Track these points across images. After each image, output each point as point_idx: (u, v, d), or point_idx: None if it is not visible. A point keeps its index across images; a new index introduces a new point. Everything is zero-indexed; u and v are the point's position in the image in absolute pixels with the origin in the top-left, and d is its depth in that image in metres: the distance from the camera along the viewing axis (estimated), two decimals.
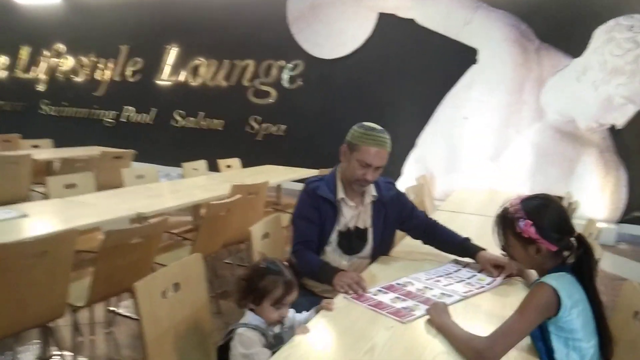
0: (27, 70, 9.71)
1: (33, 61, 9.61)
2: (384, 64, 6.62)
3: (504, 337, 1.25)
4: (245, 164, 5.11)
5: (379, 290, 1.72)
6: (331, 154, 6.29)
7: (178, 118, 8.21)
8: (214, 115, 7.95)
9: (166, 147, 8.12)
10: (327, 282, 1.84)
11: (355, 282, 1.73)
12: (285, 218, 3.10)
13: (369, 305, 1.59)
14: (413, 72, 6.45)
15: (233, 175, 4.47)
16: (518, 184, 5.80)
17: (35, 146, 5.77)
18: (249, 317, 1.48)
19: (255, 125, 7.56)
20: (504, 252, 1.52)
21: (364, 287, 1.71)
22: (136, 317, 3.11)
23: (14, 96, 9.93)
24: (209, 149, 6.48)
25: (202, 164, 4.71)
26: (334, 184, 2.13)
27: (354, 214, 2.12)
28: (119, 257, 2.32)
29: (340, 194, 2.10)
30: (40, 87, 9.60)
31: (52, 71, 9.43)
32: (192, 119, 8.10)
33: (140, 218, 2.82)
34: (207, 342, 1.75)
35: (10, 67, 9.91)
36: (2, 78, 10.05)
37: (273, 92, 7.43)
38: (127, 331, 3.03)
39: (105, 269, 2.28)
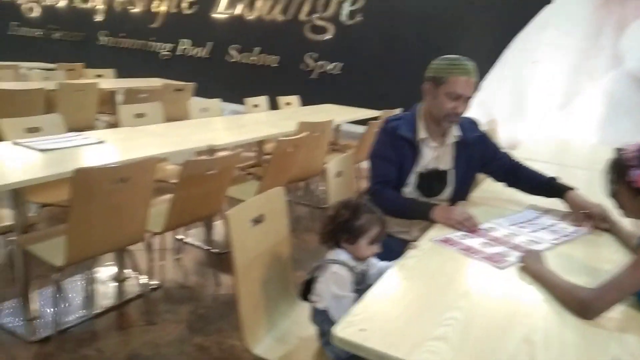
0: (86, 0, 9.76)
1: None
2: (450, 0, 6.27)
3: (615, 290, 1.19)
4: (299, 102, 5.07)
5: (465, 235, 1.68)
6: (390, 94, 6.19)
7: (233, 53, 8.13)
8: (269, 51, 7.83)
9: (222, 82, 8.12)
10: (422, 217, 1.82)
11: (465, 217, 1.71)
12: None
13: (459, 249, 1.55)
14: (481, 10, 6.08)
15: (293, 112, 4.43)
16: (587, 134, 5.52)
17: (99, 75, 5.87)
18: (341, 254, 1.47)
19: (311, 63, 7.41)
20: (612, 200, 1.43)
21: (475, 223, 1.69)
22: (201, 246, 3.27)
23: (73, 26, 10.06)
24: (263, 86, 6.43)
25: (263, 100, 4.68)
26: (414, 124, 2.05)
27: (435, 155, 2.05)
28: (195, 187, 2.36)
29: (422, 134, 2.03)
30: (98, 18, 9.66)
31: (109, 1, 9.44)
32: (246, 54, 8.01)
33: (210, 150, 2.85)
34: (287, 274, 1.78)
35: None
36: (61, 7, 10.17)
37: (330, 28, 7.21)
38: (193, 259, 3.15)
39: (182, 197, 2.33)
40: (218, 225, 3.41)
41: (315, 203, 4.23)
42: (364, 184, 2.30)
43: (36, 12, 10.58)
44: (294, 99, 5.00)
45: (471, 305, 1.24)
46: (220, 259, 3.16)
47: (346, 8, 7.00)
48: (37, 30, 10.62)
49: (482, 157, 2.12)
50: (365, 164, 3.46)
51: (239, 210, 1.53)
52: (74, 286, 2.66)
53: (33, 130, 2.74)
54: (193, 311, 2.53)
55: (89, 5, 9.73)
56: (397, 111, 4.20)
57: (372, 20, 6.83)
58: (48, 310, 2.39)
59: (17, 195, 2.16)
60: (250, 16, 7.87)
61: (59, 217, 2.60)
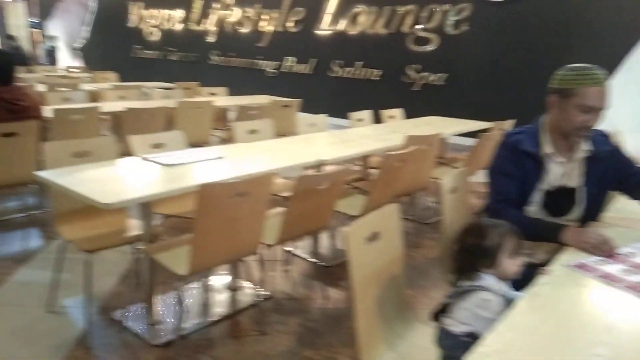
0: (199, 22, 10.49)
1: (204, 14, 10.33)
2: (563, 5, 5.87)
3: None
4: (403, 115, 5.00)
5: (602, 260, 1.52)
6: (498, 105, 5.91)
7: (336, 68, 8.26)
8: (371, 65, 7.85)
9: (326, 97, 8.28)
10: (551, 239, 1.69)
11: (601, 240, 1.57)
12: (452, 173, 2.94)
13: (597, 275, 1.41)
14: (600, 12, 5.62)
15: (398, 126, 4.37)
16: None
17: (213, 94, 6.24)
18: (486, 279, 1.40)
19: (414, 75, 7.31)
20: None
21: (612, 247, 1.55)
22: (308, 258, 3.32)
23: (188, 47, 10.84)
24: (366, 99, 6.46)
25: (366, 114, 4.68)
26: (538, 138, 1.91)
27: (562, 171, 1.90)
28: (307, 201, 2.40)
29: (547, 148, 1.89)
30: (210, 39, 10.32)
31: (220, 23, 10.05)
32: (349, 69, 8.10)
33: (317, 165, 2.89)
34: (401, 294, 1.73)
35: (185, 20, 10.78)
36: (178, 31, 11.00)
37: (434, 39, 7.07)
38: (300, 270, 3.20)
39: (295, 211, 2.37)
40: (324, 238, 3.45)
41: (420, 218, 4.12)
42: (478, 200, 2.20)
43: (156, 36, 11.54)
44: (397, 112, 4.94)
45: (618, 340, 1.11)
46: (326, 272, 3.18)
47: (451, 18, 6.83)
48: (156, 52, 11.57)
49: (615, 173, 1.93)
50: (476, 178, 3.32)
51: (355, 228, 1.52)
52: (192, 294, 2.80)
53: (158, 146, 2.95)
54: (302, 323, 2.56)
55: (202, 27, 10.43)
56: (510, 123, 3.99)
57: (479, 29, 6.60)
58: (169, 316, 2.54)
59: (145, 207, 2.33)
60: (353, 31, 7.96)
61: (181, 227, 2.77)
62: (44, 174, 2.23)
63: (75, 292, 2.73)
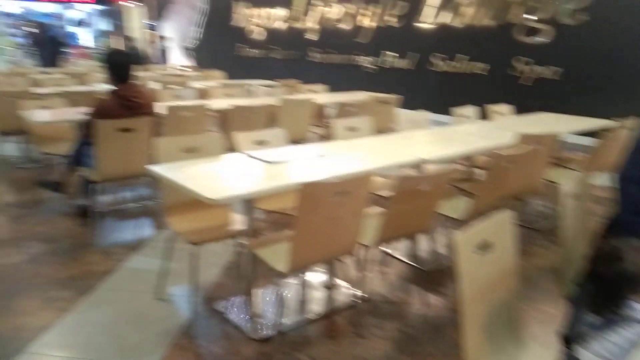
0: (300, 20, 10.66)
1: (305, 11, 10.48)
2: None
3: None
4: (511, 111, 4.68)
5: None
6: (625, 101, 5.35)
7: (438, 62, 7.99)
8: (476, 58, 7.48)
9: (427, 92, 8.04)
10: None
11: None
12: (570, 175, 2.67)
13: None
14: None
15: (507, 123, 4.10)
16: None
17: (312, 91, 6.29)
18: None
19: (524, 68, 6.85)
20: None
21: None
22: (406, 260, 3.21)
23: (289, 45, 11.06)
24: (471, 95, 6.14)
25: (471, 110, 4.44)
26: None
27: None
28: (407, 202, 2.30)
29: None
30: (310, 36, 10.45)
31: (321, 20, 10.14)
32: (452, 63, 7.78)
33: (420, 164, 2.77)
34: (514, 311, 1.58)
35: (287, 18, 11.02)
36: (280, 29, 11.27)
37: (548, 30, 6.56)
38: (398, 273, 3.10)
39: (394, 212, 2.29)
40: (424, 240, 3.32)
41: (530, 223, 3.84)
42: (602, 208, 1.97)
43: (259, 35, 11.91)
44: (505, 108, 4.64)
45: None
46: (425, 277, 3.06)
47: (567, 8, 6.29)
48: (258, 51, 11.95)
49: None
50: (596, 181, 3.01)
51: (465, 236, 1.40)
52: (290, 289, 2.82)
53: (261, 143, 3.00)
54: (400, 329, 2.47)
55: (302, 25, 10.59)
56: (636, 121, 3.58)
57: (599, 20, 6.01)
58: (268, 310, 2.57)
59: (248, 203, 2.37)
60: (457, 23, 7.64)
61: (282, 223, 2.80)
62: (155, 168, 2.34)
63: (181, 280, 2.86)
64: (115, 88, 3.47)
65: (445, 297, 2.79)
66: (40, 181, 4.06)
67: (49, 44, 11.34)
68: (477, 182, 3.21)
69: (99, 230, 3.65)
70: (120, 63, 3.50)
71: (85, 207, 3.76)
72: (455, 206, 2.85)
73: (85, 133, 3.50)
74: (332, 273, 2.88)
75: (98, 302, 2.69)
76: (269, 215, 2.93)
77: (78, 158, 3.70)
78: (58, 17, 20.14)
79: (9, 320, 2.49)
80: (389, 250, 3.30)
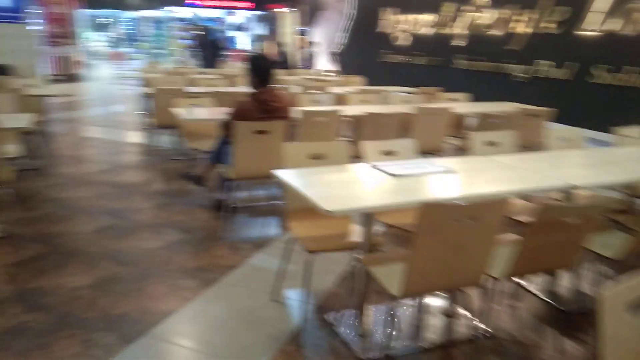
0: (447, 25, 10.28)
1: (454, 17, 10.08)
2: None
3: None
4: None
5: None
6: None
7: (602, 74, 7.12)
8: None
9: (585, 106, 7.22)
10: None
11: None
12: None
13: None
14: None
15: None
16: None
17: (453, 99, 5.99)
18: None
19: None
20: None
21: None
22: (542, 297, 2.85)
23: (434, 51, 10.74)
24: (638, 112, 5.35)
25: (637, 131, 3.83)
26: None
27: None
28: (550, 234, 2.01)
29: None
30: (457, 42, 10.02)
31: (469, 25, 9.67)
32: (619, 75, 6.88)
33: (569, 190, 2.42)
34: None
35: (433, 24, 10.71)
36: (425, 34, 11.00)
37: None
38: (531, 309, 2.76)
39: (532, 244, 2.01)
40: (565, 276, 2.92)
41: None
42: None
43: (403, 40, 11.75)
44: None
45: None
46: (563, 318, 2.68)
47: None
48: (402, 57, 11.80)
49: None
50: None
51: (617, 291, 1.14)
52: (404, 311, 2.66)
53: (389, 153, 2.88)
54: None
55: (450, 30, 10.20)
56: None
57: None
58: (378, 330, 2.44)
59: (368, 216, 2.27)
60: (629, 31, 6.72)
61: (403, 238, 2.66)
62: (280, 173, 2.35)
63: (297, 284, 2.86)
64: (255, 91, 3.60)
65: (585, 346, 2.41)
66: (185, 174, 4.39)
67: (210, 47, 12.41)
68: (638, 216, 2.73)
69: (230, 225, 3.83)
70: (263, 67, 3.62)
71: (221, 202, 3.97)
72: (609, 242, 2.45)
73: (225, 132, 3.69)
74: (453, 300, 2.66)
75: (218, 295, 2.79)
76: (390, 229, 2.79)
77: (218, 155, 3.92)
78: (221, 22, 22.06)
79: (138, 302, 2.69)
80: (522, 282, 2.96)
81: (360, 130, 4.23)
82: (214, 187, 4.27)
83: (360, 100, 5.51)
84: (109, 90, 12.30)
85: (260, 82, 3.59)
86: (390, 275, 2.04)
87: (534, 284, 2.95)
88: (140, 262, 3.18)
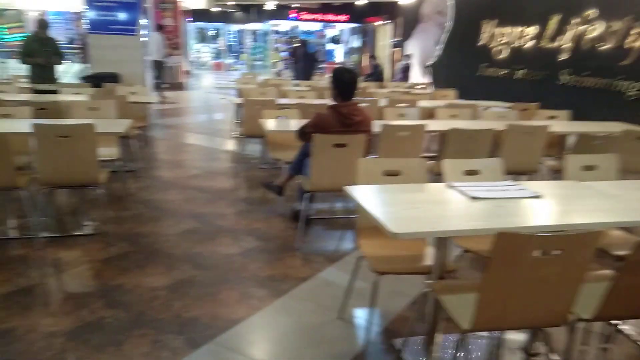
0: (552, 39, 9.66)
1: (560, 30, 9.45)
2: None
3: None
4: None
5: None
6: None
7: None
8: None
9: None
10: None
11: None
12: None
13: None
14: None
15: None
16: None
17: (552, 117, 5.58)
18: None
19: None
20: None
21: None
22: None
23: (536, 65, 10.13)
24: None
25: None
26: None
27: None
28: None
29: None
30: (563, 56, 9.37)
31: (577, 39, 9.01)
32: None
33: None
34: None
35: (537, 37, 10.11)
36: (528, 48, 10.41)
37: None
38: (626, 354, 2.44)
39: (629, 284, 1.77)
40: None
41: None
42: None
43: (504, 54, 11.22)
44: None
45: None
46: None
47: None
48: (502, 70, 11.26)
49: None
50: None
51: None
52: (478, 343, 2.47)
53: (471, 173, 2.71)
54: None
55: (555, 44, 9.57)
56: None
57: None
58: None
59: (442, 238, 2.13)
60: None
61: (480, 264, 2.48)
62: (350, 189, 2.28)
63: (366, 303, 2.77)
64: (336, 104, 3.57)
65: None
66: (266, 183, 4.47)
67: (305, 59, 12.69)
68: None
69: (305, 236, 3.82)
70: (345, 80, 3.59)
71: (298, 212, 3.99)
72: None
73: (303, 140, 3.70)
74: (534, 336, 2.42)
75: (286, 308, 2.77)
76: (466, 254, 2.62)
77: (298, 166, 3.94)
78: (319, 35, 22.56)
79: (210, 307, 2.74)
80: (616, 322, 2.63)
81: (445, 147, 4.05)
82: (292, 198, 4.31)
83: (450, 115, 5.30)
84: (209, 99, 12.97)
85: (342, 95, 3.56)
86: (462, 306, 1.89)
87: (630, 326, 2.62)
88: (216, 267, 3.25)
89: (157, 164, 6.12)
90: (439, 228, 1.85)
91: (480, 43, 12.05)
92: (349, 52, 21.45)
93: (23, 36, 7.37)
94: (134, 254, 3.39)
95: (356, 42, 21.00)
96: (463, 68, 12.65)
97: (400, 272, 2.34)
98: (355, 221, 2.64)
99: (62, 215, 4.05)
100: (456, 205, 2.14)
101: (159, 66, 12.66)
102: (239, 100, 6.27)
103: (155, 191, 4.87)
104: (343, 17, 20.19)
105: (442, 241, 2.14)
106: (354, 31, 21.37)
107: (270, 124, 4.35)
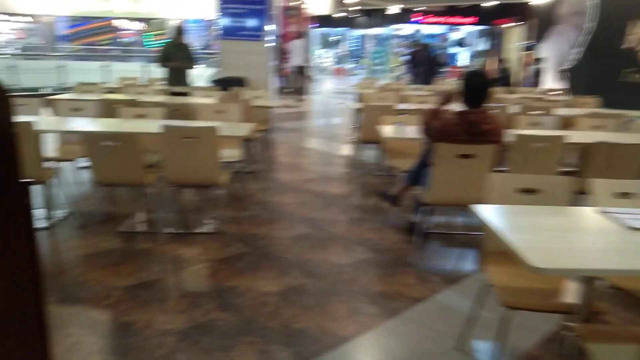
0: None
1: None
2: None
3: None
4: None
5: None
6: None
7: None
8: None
9: None
10: None
11: None
12: None
13: None
14: None
15: None
16: None
17: None
18: None
19: None
20: None
21: None
22: None
23: None
24: None
25: None
26: None
27: None
28: None
29: None
30: None
31: None
32: None
33: None
34: None
35: None
36: None
37: None
38: None
39: None
40: None
41: None
42: None
43: None
44: None
45: None
46: None
47: None
48: None
49: None
50: None
51: None
52: None
53: (626, 196, 2.29)
54: None
55: None
56: None
57: None
58: None
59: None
60: None
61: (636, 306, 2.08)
62: (479, 208, 2.03)
63: (490, 335, 2.48)
64: (465, 110, 3.29)
65: None
66: (380, 192, 4.29)
67: (426, 63, 12.27)
68: None
69: (421, 251, 3.58)
70: (476, 85, 3.29)
71: (414, 225, 3.76)
72: None
73: (425, 152, 3.47)
74: None
75: (398, 330, 2.57)
76: (616, 292, 2.22)
77: (416, 176, 3.71)
78: (442, 38, 21.85)
79: (318, 319, 2.63)
80: None
81: (590, 163, 3.56)
82: (408, 209, 4.08)
83: (592, 126, 4.70)
84: (330, 104, 13.11)
85: (472, 101, 3.27)
86: (616, 358, 1.56)
87: None
88: (326, 276, 3.15)
89: (276, 166, 6.23)
90: (592, 265, 1.54)
91: (625, 46, 10.77)
92: (475, 56, 20.50)
93: (164, 42, 7.94)
94: (248, 256, 3.41)
95: (482, 45, 20.00)
96: (603, 73, 11.40)
97: (535, 309, 2.02)
98: (480, 241, 2.36)
99: (185, 212, 4.23)
100: (611, 236, 1.79)
101: (300, 71, 13.10)
102: (357, 105, 6.17)
103: (272, 193, 4.93)
104: (470, 20, 19.35)
105: (591, 277, 1.81)
106: (480, 34, 20.37)
107: (388, 130, 4.17)
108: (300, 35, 13.26)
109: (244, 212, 4.31)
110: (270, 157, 6.63)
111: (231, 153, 4.33)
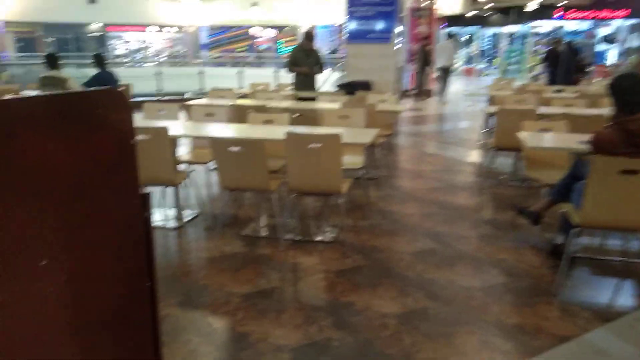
0: None
1: None
2: None
3: None
4: None
5: None
6: None
7: None
8: None
9: None
10: None
11: None
12: None
13: None
14: None
15: None
16: None
17: None
18: None
19: None
20: None
21: None
22: None
23: None
24: None
25: None
26: None
27: None
28: None
29: None
30: None
31: None
32: None
33: None
34: None
35: None
36: None
37: None
38: None
39: None
40: None
41: None
42: None
43: None
44: None
45: None
46: None
47: None
48: None
49: None
50: None
51: None
52: None
53: None
54: None
55: None
56: None
57: None
58: None
59: None
60: None
61: None
62: None
63: None
64: (620, 119, 2.79)
65: None
66: (519, 207, 3.82)
67: (566, 62, 11.10)
68: None
69: (566, 279, 3.11)
70: (627, 89, 2.78)
71: (559, 247, 3.28)
72: None
73: (576, 163, 3.00)
74: None
75: None
76: None
77: (564, 191, 3.24)
78: (587, 34, 19.79)
79: (445, 351, 2.36)
80: None
81: None
82: (550, 227, 3.59)
83: None
84: (458, 107, 12.48)
85: (627, 109, 2.76)
86: None
87: None
88: (453, 301, 2.85)
89: (399, 172, 5.98)
90: None
91: None
92: (625, 53, 18.23)
93: (293, 48, 8.09)
94: (367, 270, 3.22)
95: (636, 41, 17.71)
96: None
97: None
98: None
99: (305, 219, 4.17)
100: None
101: (445, 72, 12.79)
102: (491, 109, 5.69)
103: (394, 202, 4.69)
104: (622, 13, 17.27)
105: None
106: (633, 28, 18.07)
107: (530, 137, 3.72)
108: (414, 36, 12.76)
109: (364, 221, 4.13)
110: (393, 163, 6.38)
111: (354, 159, 4.18)
